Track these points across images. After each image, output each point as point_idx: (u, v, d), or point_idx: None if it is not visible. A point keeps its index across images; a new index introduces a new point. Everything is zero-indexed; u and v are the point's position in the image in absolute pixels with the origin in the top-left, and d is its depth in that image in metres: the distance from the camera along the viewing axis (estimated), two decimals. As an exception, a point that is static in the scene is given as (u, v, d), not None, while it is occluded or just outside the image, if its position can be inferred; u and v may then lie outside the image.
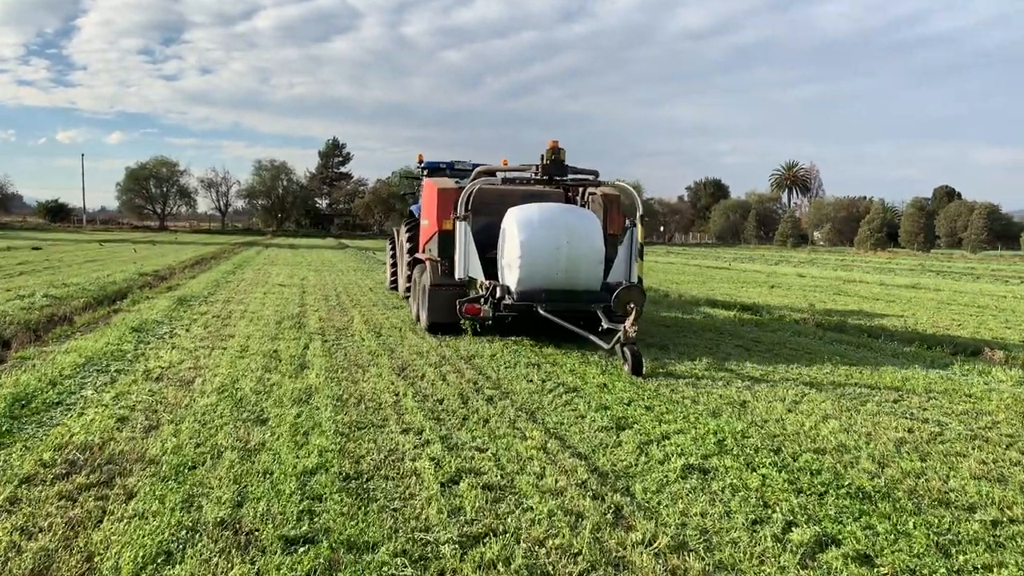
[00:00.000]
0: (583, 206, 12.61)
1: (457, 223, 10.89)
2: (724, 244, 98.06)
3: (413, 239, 15.41)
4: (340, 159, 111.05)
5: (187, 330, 11.02)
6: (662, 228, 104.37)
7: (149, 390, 7.23)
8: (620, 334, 9.00)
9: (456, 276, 11.00)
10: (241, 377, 7.93)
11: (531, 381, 8.30)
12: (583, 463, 5.47)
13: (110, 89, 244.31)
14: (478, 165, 17.34)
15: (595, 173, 11.58)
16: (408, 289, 15.69)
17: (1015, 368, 9.92)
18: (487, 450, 5.70)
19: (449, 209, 11.48)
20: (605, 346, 9.45)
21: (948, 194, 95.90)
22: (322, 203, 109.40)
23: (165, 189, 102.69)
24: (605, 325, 9.83)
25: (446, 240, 11.49)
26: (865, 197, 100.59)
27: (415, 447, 5.72)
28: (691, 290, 21.99)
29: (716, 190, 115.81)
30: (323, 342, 10.35)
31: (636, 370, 8.68)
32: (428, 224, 12.22)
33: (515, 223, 10.54)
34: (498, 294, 10.47)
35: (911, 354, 10.90)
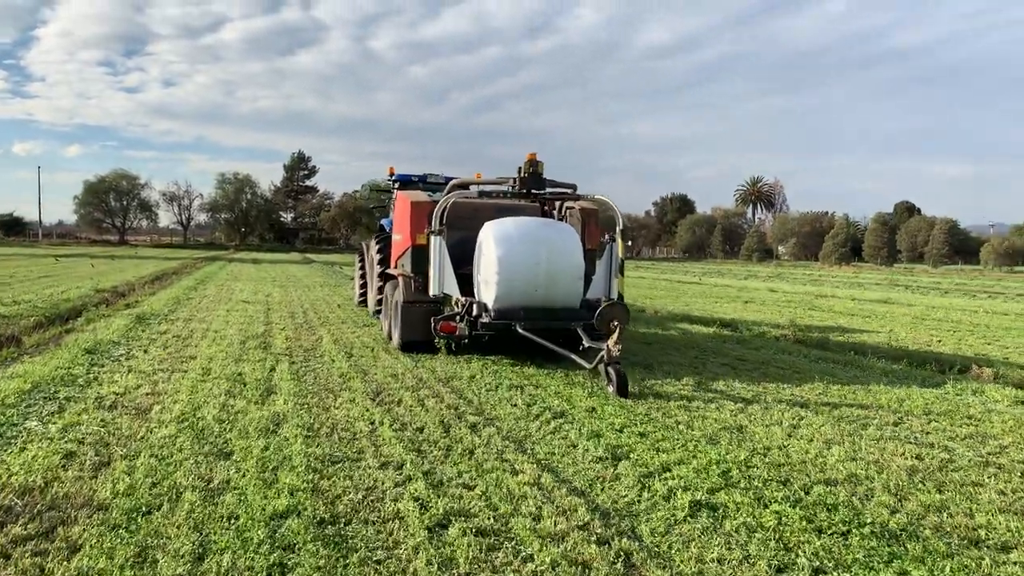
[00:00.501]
0: (560, 220, 12.20)
1: (432, 237, 10.40)
2: (691, 258, 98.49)
3: (384, 253, 14.87)
4: (305, 172, 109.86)
5: (145, 351, 10.36)
6: (630, 243, 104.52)
7: (101, 420, 6.61)
8: (603, 353, 8.57)
9: (431, 292, 10.49)
10: (203, 404, 7.34)
11: (515, 405, 7.82)
12: (582, 501, 4.99)
13: (69, 101, 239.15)
14: (451, 178, 16.87)
15: (573, 187, 11.17)
16: (379, 305, 15.14)
17: (1008, 387, 9.66)
18: (476, 487, 5.20)
19: (423, 223, 11.00)
20: (587, 365, 9.02)
21: (908, 209, 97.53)
22: (287, 217, 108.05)
23: (125, 203, 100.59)
24: (586, 344, 9.40)
25: (420, 255, 11.00)
26: (827, 212, 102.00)
27: (396, 484, 5.20)
28: (666, 305, 21.69)
29: (682, 205, 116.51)
30: (291, 364, 9.77)
31: (621, 391, 8.24)
32: (401, 238, 11.71)
33: (492, 238, 10.09)
34: (474, 311, 10.00)
35: (900, 372, 10.61)
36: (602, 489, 5.29)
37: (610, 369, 8.43)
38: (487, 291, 10.05)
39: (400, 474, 5.42)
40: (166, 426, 6.46)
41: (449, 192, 10.92)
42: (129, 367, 9.13)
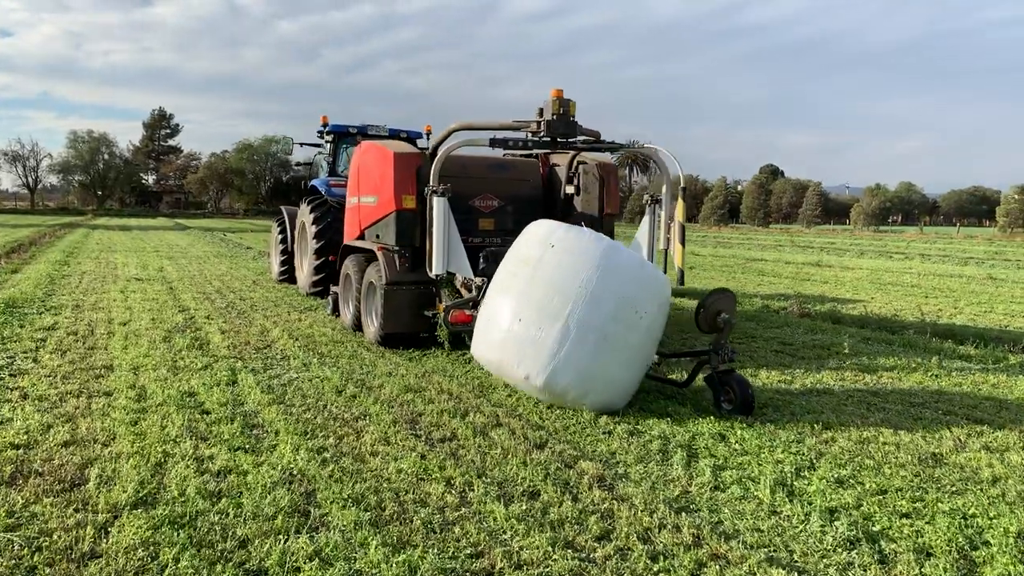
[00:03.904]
0: (571, 179, 9.91)
1: (433, 200, 7.89)
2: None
3: (326, 221, 12.20)
4: (168, 131, 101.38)
5: (35, 360, 7.42)
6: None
7: (7, 514, 3.90)
8: (711, 358, 6.45)
9: (433, 272, 7.99)
10: (165, 461, 4.71)
11: (610, 433, 5.60)
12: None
13: None
14: (396, 130, 14.25)
15: (597, 134, 8.78)
16: (315, 285, 12.50)
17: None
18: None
19: (409, 181, 8.51)
20: (677, 383, 6.91)
21: (773, 172, 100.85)
22: (149, 179, 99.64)
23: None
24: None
25: (407, 223, 8.51)
26: (696, 176, 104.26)
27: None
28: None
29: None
30: (252, 373, 7.12)
31: (746, 407, 6.15)
32: (376, 202, 9.10)
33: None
34: None
35: (983, 356, 9.05)
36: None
37: (729, 380, 6.29)
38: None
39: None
40: (127, 518, 3.84)
41: (445, 139, 8.39)
42: (21, 391, 6.24)
